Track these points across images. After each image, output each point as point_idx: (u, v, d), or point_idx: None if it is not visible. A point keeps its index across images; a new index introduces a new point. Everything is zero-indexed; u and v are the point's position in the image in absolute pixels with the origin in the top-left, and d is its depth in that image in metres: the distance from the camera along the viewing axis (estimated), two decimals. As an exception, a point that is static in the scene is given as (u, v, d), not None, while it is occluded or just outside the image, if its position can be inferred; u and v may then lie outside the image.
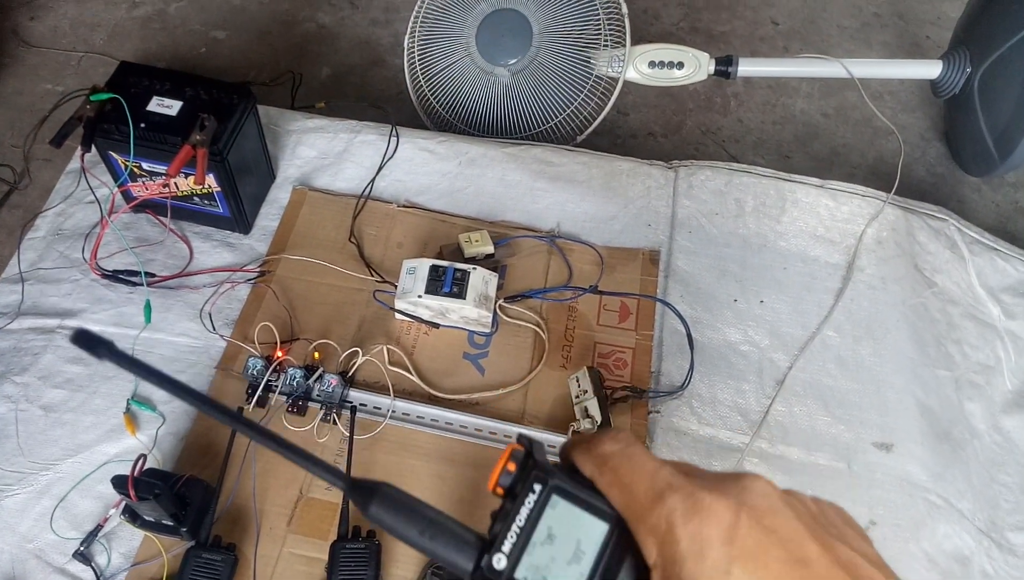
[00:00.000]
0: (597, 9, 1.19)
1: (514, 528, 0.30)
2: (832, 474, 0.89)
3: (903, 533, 0.86)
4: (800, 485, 0.88)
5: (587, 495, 0.31)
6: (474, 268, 0.92)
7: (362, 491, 0.31)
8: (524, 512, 0.31)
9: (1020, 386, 1.01)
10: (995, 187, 1.30)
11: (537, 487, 0.31)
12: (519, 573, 0.30)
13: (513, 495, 0.31)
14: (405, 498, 0.31)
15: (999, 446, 0.96)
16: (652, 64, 1.22)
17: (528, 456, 0.32)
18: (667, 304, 0.98)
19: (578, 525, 0.31)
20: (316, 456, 0.31)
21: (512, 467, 0.32)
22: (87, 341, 0.29)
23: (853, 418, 0.93)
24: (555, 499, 0.31)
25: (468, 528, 0.31)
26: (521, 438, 0.33)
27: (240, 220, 1.01)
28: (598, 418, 0.85)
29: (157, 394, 0.90)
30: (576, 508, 0.31)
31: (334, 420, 0.87)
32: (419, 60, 1.25)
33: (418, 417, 0.89)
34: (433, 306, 0.91)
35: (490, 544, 0.30)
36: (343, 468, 0.82)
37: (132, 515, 0.77)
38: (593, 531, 0.30)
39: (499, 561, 0.30)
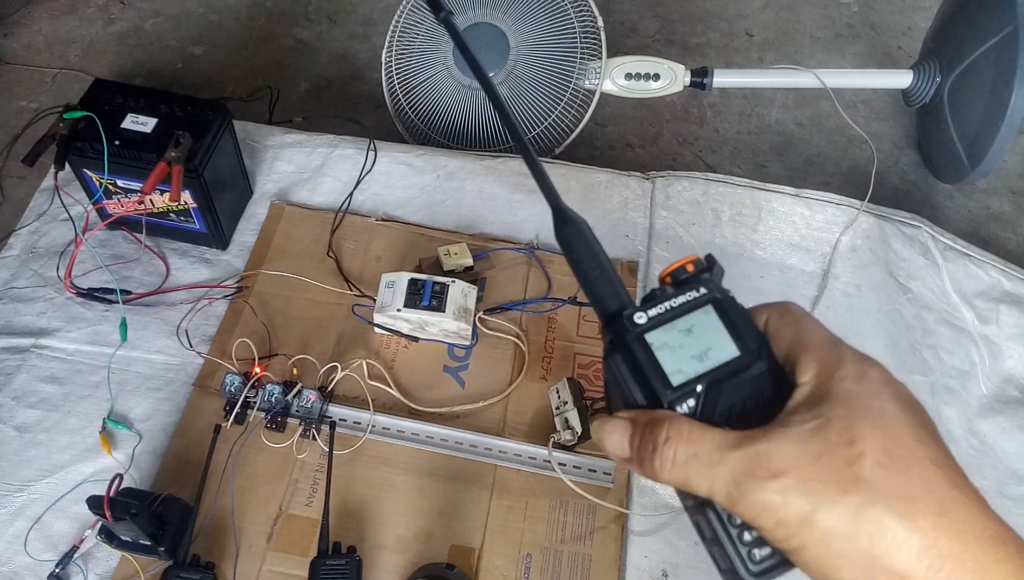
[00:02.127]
0: (573, 22, 1.20)
1: (665, 305, 0.34)
2: (811, 481, 0.90)
3: (882, 538, 0.86)
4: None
5: (740, 324, 0.34)
6: (453, 281, 0.92)
7: (563, 213, 0.38)
8: (680, 300, 0.34)
9: (995, 390, 1.02)
10: (967, 194, 1.32)
11: (702, 290, 0.34)
12: (650, 336, 0.33)
13: (677, 286, 0.35)
14: (592, 238, 0.37)
15: (975, 450, 0.97)
16: (629, 76, 1.23)
17: (706, 270, 0.35)
18: (646, 314, 0.99)
19: (716, 338, 0.33)
20: (545, 175, 0.39)
21: (691, 269, 0.35)
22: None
23: (831, 424, 0.94)
24: (709, 308, 0.34)
25: (627, 291, 0.36)
26: (709, 257, 0.36)
27: (217, 236, 1.00)
28: (578, 429, 0.85)
29: (135, 412, 0.89)
30: (722, 325, 0.33)
31: (314, 436, 0.87)
32: (397, 74, 1.25)
33: (398, 431, 0.89)
34: (412, 320, 0.91)
35: (638, 306, 0.34)
36: (323, 485, 0.82)
37: (109, 535, 0.76)
38: (725, 349, 0.33)
39: (640, 317, 0.34)
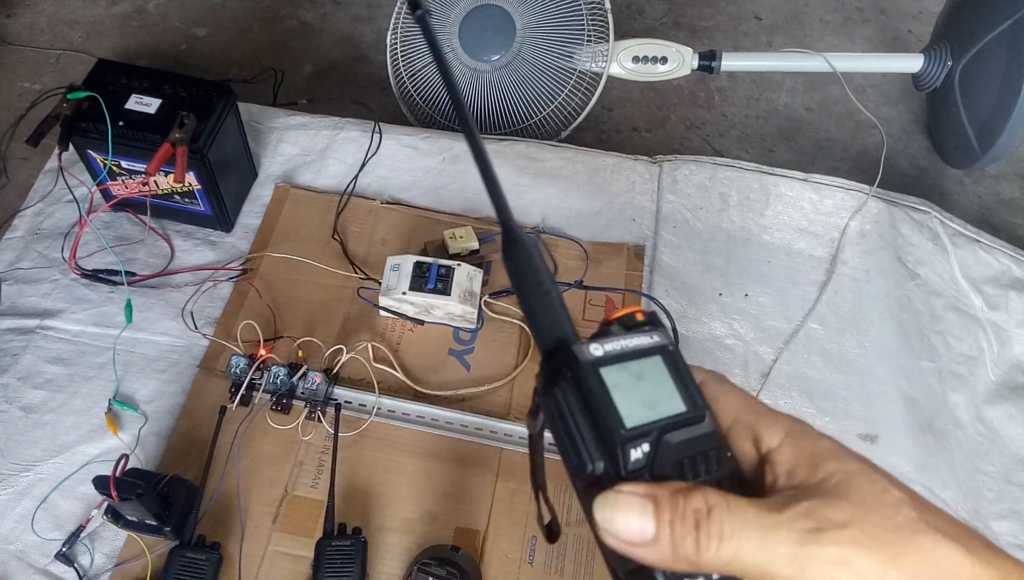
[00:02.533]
0: (580, 4, 1.19)
1: (620, 343, 0.31)
2: (817, 466, 0.89)
3: (888, 523, 0.86)
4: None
5: (687, 377, 0.31)
6: (459, 264, 0.92)
7: (511, 233, 0.33)
8: (634, 342, 0.31)
9: (1003, 377, 1.01)
10: (977, 179, 1.31)
11: (655, 337, 0.32)
12: (604, 372, 0.30)
13: (627, 328, 0.32)
14: (541, 261, 0.33)
15: (982, 436, 0.97)
16: (636, 59, 1.22)
17: (657, 323, 0.33)
18: (652, 298, 0.98)
19: (664, 389, 0.31)
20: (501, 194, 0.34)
21: (640, 317, 0.33)
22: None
23: (838, 410, 0.94)
24: (658, 358, 0.31)
25: (571, 321, 0.32)
26: (653, 314, 0.34)
27: (222, 218, 1.00)
28: (584, 413, 0.85)
29: (140, 393, 0.89)
30: (670, 378, 0.31)
31: (319, 418, 0.87)
32: (402, 56, 1.24)
33: (403, 414, 0.88)
34: (418, 303, 0.91)
35: (589, 338, 0.31)
36: (329, 467, 0.82)
37: (115, 515, 0.76)
38: (673, 402, 0.31)
39: (596, 350, 0.30)
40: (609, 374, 0.30)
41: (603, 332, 0.32)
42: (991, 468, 0.95)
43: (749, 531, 0.27)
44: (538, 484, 0.35)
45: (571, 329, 0.32)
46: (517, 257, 0.33)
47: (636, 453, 0.29)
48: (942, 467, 0.91)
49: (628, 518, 0.27)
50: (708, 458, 0.30)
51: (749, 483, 0.31)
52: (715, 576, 0.28)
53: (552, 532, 0.35)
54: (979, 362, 1.02)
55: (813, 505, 0.27)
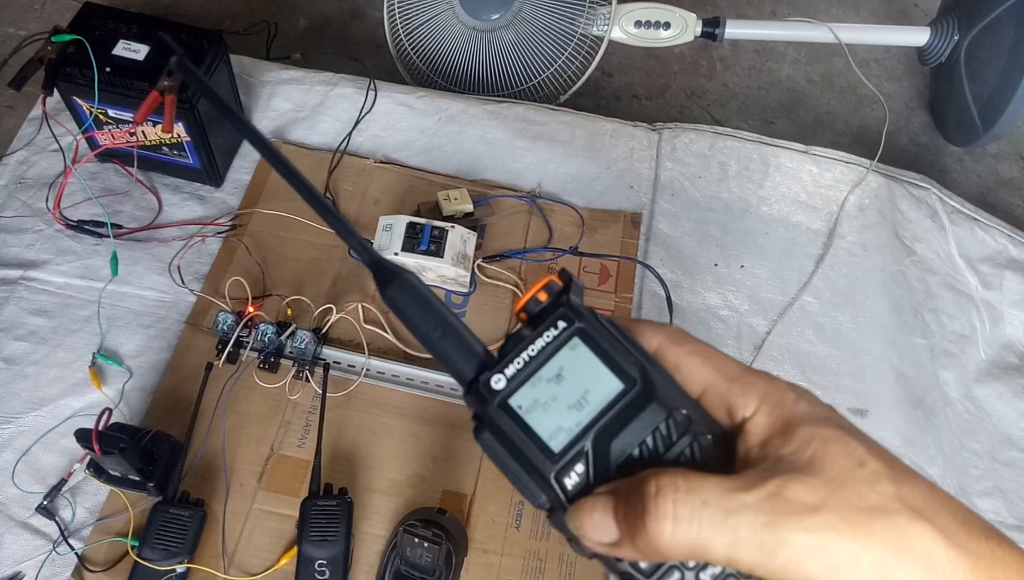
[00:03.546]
0: (583, -36, 1.16)
1: (524, 355, 0.29)
2: (807, 439, 0.89)
3: (874, 497, 0.86)
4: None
5: (614, 351, 0.29)
6: (452, 226, 0.90)
7: (384, 271, 0.30)
8: (539, 343, 0.29)
9: (993, 356, 1.01)
10: (977, 158, 1.30)
11: (561, 324, 0.29)
12: (514, 400, 0.29)
13: (535, 324, 0.30)
14: (426, 291, 0.30)
15: (971, 414, 0.97)
16: (638, 24, 1.19)
17: (562, 293, 0.30)
18: (648, 267, 0.97)
19: (592, 375, 0.29)
20: (348, 224, 0.31)
21: (543, 297, 0.30)
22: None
23: (830, 384, 0.93)
24: (576, 342, 0.29)
25: (479, 341, 0.30)
26: (563, 273, 0.31)
27: (211, 172, 0.98)
28: (575, 379, 0.84)
29: (125, 348, 0.87)
30: (595, 358, 0.29)
31: (307, 377, 0.86)
32: (399, 12, 1.21)
33: (393, 375, 0.87)
34: (410, 264, 0.90)
35: (495, 363, 0.29)
36: (316, 426, 0.81)
37: (97, 470, 0.75)
38: (605, 385, 0.29)
39: (498, 381, 0.29)
40: (522, 396, 0.28)
41: (508, 343, 0.30)
42: (978, 446, 0.95)
43: (711, 512, 0.25)
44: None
45: (479, 352, 0.30)
46: (399, 296, 0.30)
47: (572, 478, 0.28)
48: (930, 443, 0.91)
49: (592, 520, 0.27)
50: (668, 432, 0.28)
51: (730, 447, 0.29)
52: (690, 564, 0.27)
53: None
54: (971, 341, 1.02)
55: (782, 483, 0.25)
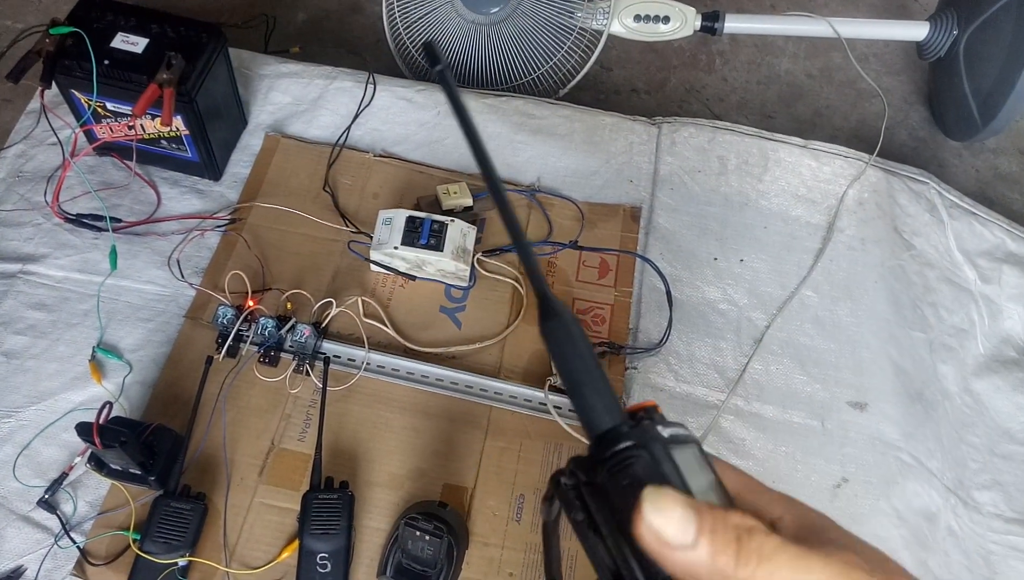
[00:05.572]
0: (583, -43, 1.15)
1: (671, 430, 0.30)
2: (806, 432, 0.90)
3: (873, 490, 0.87)
4: (774, 442, 0.89)
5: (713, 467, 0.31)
6: (452, 220, 0.90)
7: (549, 306, 0.31)
8: (681, 431, 0.30)
9: (992, 350, 1.02)
10: (975, 153, 1.30)
11: (684, 429, 0.30)
12: (675, 454, 0.29)
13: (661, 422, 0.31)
14: (581, 336, 0.31)
15: (969, 408, 0.97)
16: (637, 17, 1.19)
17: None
18: (647, 260, 0.97)
19: (705, 478, 0.30)
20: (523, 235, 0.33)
21: (660, 410, 0.31)
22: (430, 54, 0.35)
23: (828, 377, 0.94)
24: (695, 448, 0.30)
25: (618, 398, 0.31)
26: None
27: (210, 166, 0.97)
28: (575, 373, 0.84)
29: (125, 342, 0.87)
30: (707, 466, 0.30)
31: (307, 371, 0.86)
32: (398, 6, 1.21)
33: (393, 370, 0.87)
34: (409, 258, 0.90)
35: (642, 419, 0.29)
36: (316, 420, 0.81)
37: (98, 463, 0.75)
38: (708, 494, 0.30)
39: (664, 430, 0.29)
40: (679, 456, 0.29)
41: (650, 418, 0.30)
42: (976, 439, 0.95)
43: (787, 557, 0.27)
44: (553, 575, 0.34)
45: (613, 416, 0.30)
46: (558, 334, 0.31)
47: None
48: (929, 437, 0.92)
49: (672, 517, 0.27)
50: None
51: None
52: None
53: None
54: (970, 335, 1.02)
55: (839, 550, 0.27)
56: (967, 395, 0.98)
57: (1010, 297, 1.04)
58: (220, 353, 0.85)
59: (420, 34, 1.21)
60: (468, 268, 0.91)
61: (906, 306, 1.01)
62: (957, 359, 1.00)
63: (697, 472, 0.29)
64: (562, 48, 1.18)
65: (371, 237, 0.91)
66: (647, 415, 0.30)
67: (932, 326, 1.01)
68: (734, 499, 0.30)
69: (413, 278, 0.94)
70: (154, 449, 0.75)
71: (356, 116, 1.06)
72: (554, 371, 0.86)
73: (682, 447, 0.29)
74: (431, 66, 0.34)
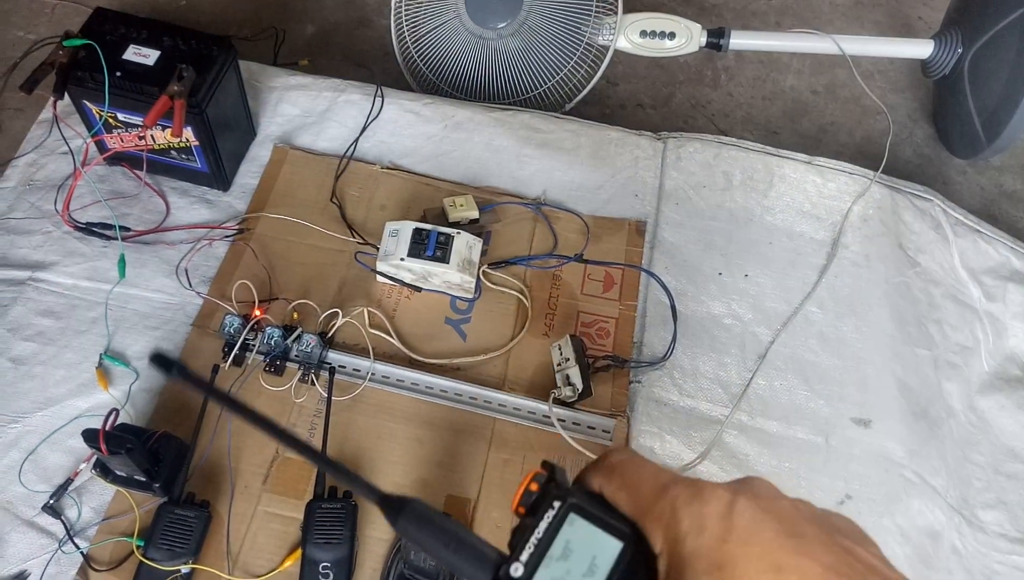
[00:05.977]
0: (590, -26, 1.16)
1: (532, 540, 0.32)
2: (810, 448, 0.90)
3: (877, 507, 0.86)
4: (778, 458, 0.89)
5: (604, 514, 0.32)
6: (458, 232, 0.91)
7: (392, 505, 0.33)
8: (543, 526, 0.32)
9: (996, 368, 1.02)
10: (980, 170, 1.30)
11: (556, 504, 0.32)
12: None
13: (534, 513, 0.33)
14: (432, 513, 0.33)
15: (974, 426, 0.97)
16: (643, 33, 1.20)
17: (550, 480, 0.34)
18: (652, 275, 0.98)
19: (594, 542, 0.31)
20: (353, 471, 0.33)
21: (535, 487, 0.33)
22: (161, 362, 0.33)
23: (833, 393, 0.94)
24: (572, 516, 0.32)
25: (488, 544, 0.33)
26: (544, 463, 0.34)
27: (219, 176, 0.98)
28: (579, 386, 0.84)
29: (132, 349, 0.88)
30: (592, 526, 0.32)
31: (312, 381, 0.86)
32: (406, 20, 1.22)
33: (398, 380, 0.88)
34: (416, 269, 0.90)
35: (508, 557, 0.32)
36: (320, 430, 0.81)
37: (103, 470, 0.75)
38: (608, 548, 0.31)
39: (516, 570, 0.31)
40: (541, 578, 0.31)
41: (515, 539, 0.32)
42: (980, 458, 0.95)
43: None
44: None
45: (492, 553, 0.32)
46: (409, 523, 0.32)
47: None
48: (933, 455, 0.91)
49: None
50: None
51: None
52: None
53: None
54: (974, 352, 1.02)
55: None
56: (971, 413, 0.98)
57: (1015, 315, 1.04)
58: (226, 362, 0.86)
59: (427, 48, 1.22)
60: (474, 280, 0.91)
61: (911, 323, 1.01)
62: (962, 377, 1.00)
63: (568, 569, 0.31)
64: (568, 63, 1.19)
65: (378, 248, 0.92)
66: (517, 528, 0.32)
67: (937, 343, 1.01)
68: (626, 522, 0.32)
69: (419, 289, 0.94)
70: (159, 456, 0.75)
71: (364, 128, 1.07)
72: (557, 384, 0.87)
73: (545, 561, 0.31)
74: (165, 374, 0.34)
